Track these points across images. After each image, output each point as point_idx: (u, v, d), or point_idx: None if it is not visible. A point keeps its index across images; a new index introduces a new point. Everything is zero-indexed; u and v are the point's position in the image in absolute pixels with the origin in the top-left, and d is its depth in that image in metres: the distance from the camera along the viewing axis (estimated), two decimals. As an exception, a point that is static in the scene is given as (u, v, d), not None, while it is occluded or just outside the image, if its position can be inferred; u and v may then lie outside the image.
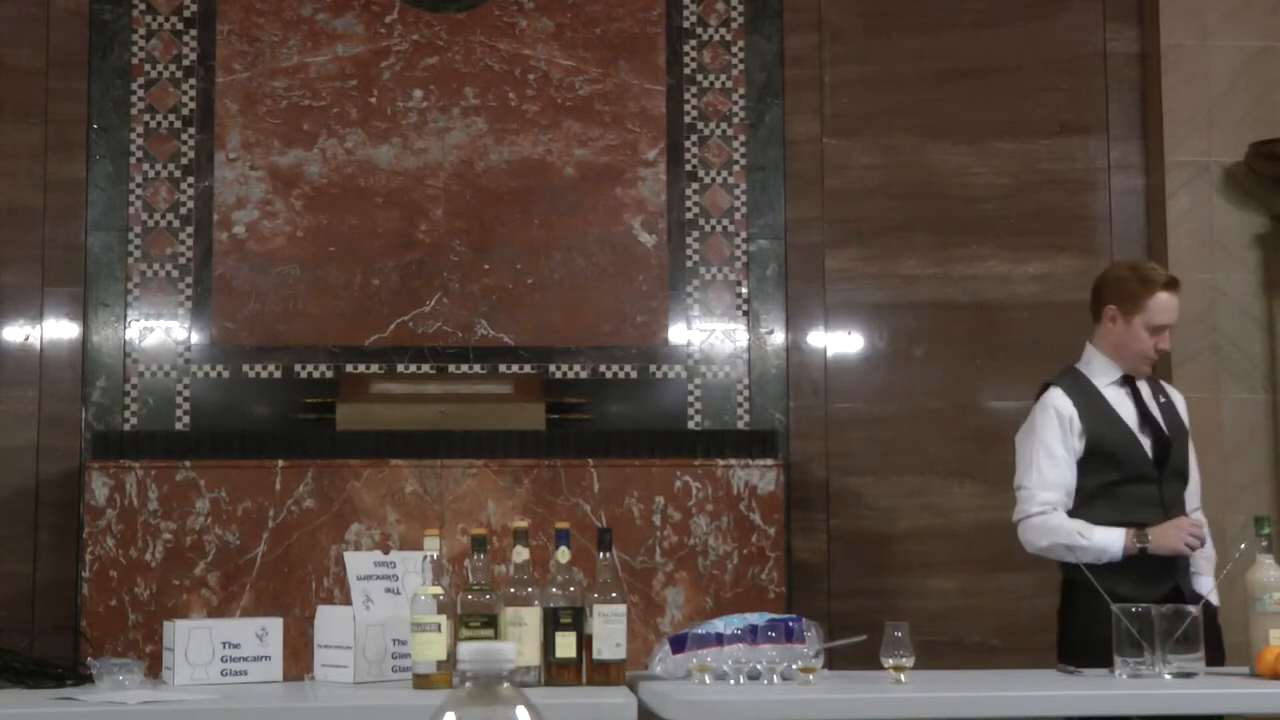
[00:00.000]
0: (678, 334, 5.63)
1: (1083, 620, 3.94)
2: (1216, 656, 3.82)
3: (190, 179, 5.59)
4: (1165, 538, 3.95)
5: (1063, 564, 4.05)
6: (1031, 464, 4.06)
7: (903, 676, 3.38)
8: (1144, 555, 3.95)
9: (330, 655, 3.43)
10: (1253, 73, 5.70)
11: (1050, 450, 4.04)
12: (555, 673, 3.34)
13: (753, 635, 3.37)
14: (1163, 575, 3.98)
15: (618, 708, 3.13)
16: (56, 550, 5.26)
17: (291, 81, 5.65)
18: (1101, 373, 4.15)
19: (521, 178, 5.67)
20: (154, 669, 3.71)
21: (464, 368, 5.55)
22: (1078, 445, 4.06)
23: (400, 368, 5.54)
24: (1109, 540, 3.95)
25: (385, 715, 3.15)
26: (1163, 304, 4.09)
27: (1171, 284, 4.12)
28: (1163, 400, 4.20)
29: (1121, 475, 4.05)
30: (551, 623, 3.34)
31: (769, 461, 5.12)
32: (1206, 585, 4.04)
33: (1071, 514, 4.03)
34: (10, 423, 5.41)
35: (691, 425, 5.57)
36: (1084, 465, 4.05)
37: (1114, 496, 4.04)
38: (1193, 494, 4.21)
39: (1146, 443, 4.08)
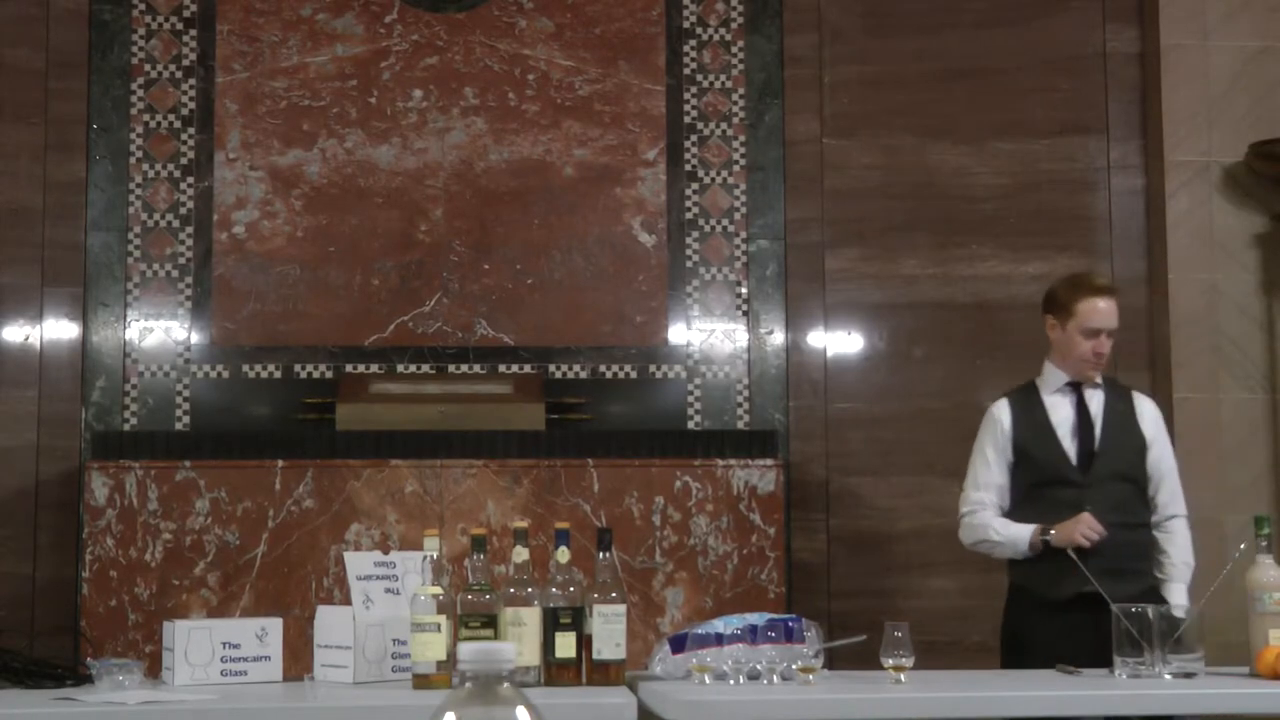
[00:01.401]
0: (677, 334, 5.63)
1: (1010, 618, 4.29)
2: None
3: (190, 179, 5.58)
4: (1065, 531, 4.11)
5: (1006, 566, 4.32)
6: (970, 468, 4.36)
7: (902, 676, 3.38)
8: (1052, 556, 4.12)
9: (330, 655, 3.43)
10: (1253, 73, 5.70)
11: (985, 456, 4.32)
12: (555, 673, 3.34)
13: (752, 635, 3.38)
14: (1065, 578, 4.07)
15: (618, 708, 3.13)
16: (56, 550, 5.26)
17: (291, 81, 5.65)
18: (1049, 382, 4.35)
19: (521, 178, 5.66)
20: (154, 669, 3.71)
21: (464, 368, 5.55)
22: (1009, 451, 4.29)
23: (400, 368, 5.54)
24: (1019, 535, 4.20)
25: (385, 715, 3.15)
26: (1092, 308, 4.24)
27: (1102, 290, 4.30)
28: (1121, 408, 4.27)
29: (1042, 478, 4.25)
30: (551, 623, 3.34)
31: (769, 461, 5.11)
32: (1179, 593, 4.16)
33: (1007, 514, 4.27)
34: (10, 423, 5.41)
35: (691, 425, 5.56)
36: (1015, 469, 4.30)
37: (1038, 499, 4.25)
38: (1169, 500, 4.31)
39: (1073, 449, 4.22)
